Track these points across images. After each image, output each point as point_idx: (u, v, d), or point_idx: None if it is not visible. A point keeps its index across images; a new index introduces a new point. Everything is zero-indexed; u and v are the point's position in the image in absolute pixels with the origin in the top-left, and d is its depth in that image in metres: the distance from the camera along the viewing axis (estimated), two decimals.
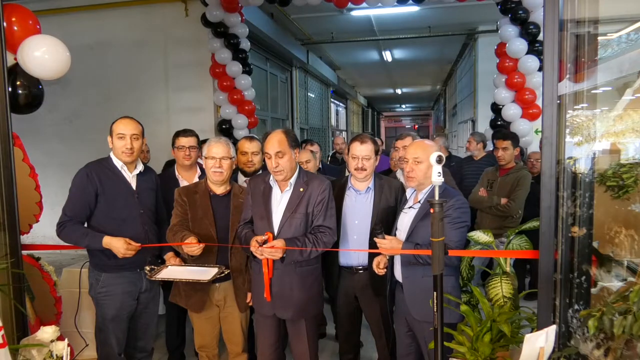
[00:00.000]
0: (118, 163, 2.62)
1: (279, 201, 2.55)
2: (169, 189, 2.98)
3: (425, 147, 2.45)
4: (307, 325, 2.59)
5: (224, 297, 2.69)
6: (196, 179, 3.26)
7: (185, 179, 3.27)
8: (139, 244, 2.55)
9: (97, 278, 2.60)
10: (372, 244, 2.74)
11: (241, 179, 3.33)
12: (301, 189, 2.51)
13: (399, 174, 3.39)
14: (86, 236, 2.54)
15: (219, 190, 2.70)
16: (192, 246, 2.46)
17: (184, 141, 3.23)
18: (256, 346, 2.82)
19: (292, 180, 2.52)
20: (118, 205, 2.60)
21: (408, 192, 2.61)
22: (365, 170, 2.73)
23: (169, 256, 2.75)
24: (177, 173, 3.31)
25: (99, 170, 2.59)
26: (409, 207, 2.51)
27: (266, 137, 2.52)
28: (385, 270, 2.60)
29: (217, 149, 2.61)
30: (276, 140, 2.44)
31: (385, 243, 2.40)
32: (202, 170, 3.37)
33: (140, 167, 2.71)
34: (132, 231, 2.59)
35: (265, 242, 2.40)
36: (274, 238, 2.46)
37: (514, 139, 4.26)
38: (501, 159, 4.20)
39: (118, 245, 2.50)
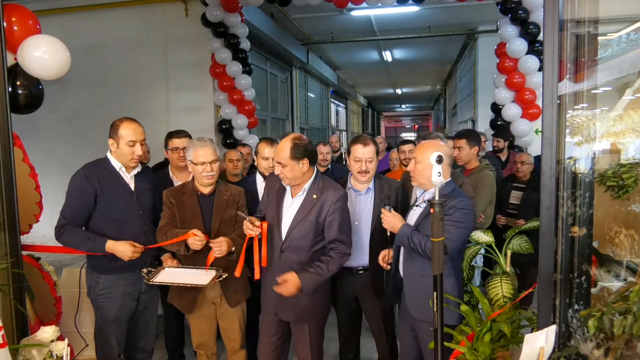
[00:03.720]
0: (117, 164, 2.59)
1: (290, 205, 2.51)
2: (164, 189, 2.96)
3: (423, 148, 2.45)
4: (310, 329, 2.57)
5: (220, 293, 2.69)
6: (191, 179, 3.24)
7: (180, 179, 3.24)
8: (143, 247, 2.54)
9: (96, 280, 2.58)
10: (373, 245, 2.74)
11: (259, 179, 3.25)
12: (314, 196, 2.44)
13: None
14: (88, 240, 2.50)
15: (207, 190, 2.69)
16: (196, 240, 2.46)
17: (178, 142, 3.20)
18: (258, 346, 2.83)
19: (306, 185, 2.47)
20: (118, 207, 2.57)
21: (418, 192, 2.61)
22: (369, 172, 2.71)
23: (165, 257, 2.74)
24: (171, 174, 3.28)
25: (98, 171, 2.55)
26: (417, 206, 2.52)
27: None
28: (389, 266, 2.59)
29: (206, 154, 2.58)
30: (279, 150, 2.41)
31: (389, 216, 2.42)
32: None
33: (137, 168, 2.69)
34: (132, 233, 2.58)
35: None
36: (285, 241, 2.47)
37: (470, 137, 3.98)
38: (457, 158, 4.01)
39: (124, 249, 2.48)
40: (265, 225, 2.45)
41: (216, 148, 2.67)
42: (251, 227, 2.41)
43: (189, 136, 3.29)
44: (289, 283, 2.34)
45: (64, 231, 2.51)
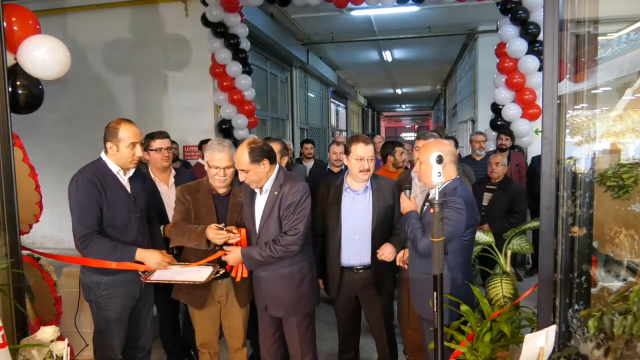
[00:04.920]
0: (114, 167, 2.54)
1: (259, 205, 2.60)
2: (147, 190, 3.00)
3: (427, 148, 2.47)
4: (298, 323, 2.63)
5: (227, 292, 2.72)
6: (172, 180, 3.26)
7: (162, 180, 3.25)
8: (171, 256, 2.57)
9: (97, 282, 2.54)
10: (374, 243, 2.75)
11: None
12: (275, 193, 2.53)
13: (413, 175, 3.27)
14: (117, 251, 2.46)
15: (222, 190, 2.71)
16: (219, 234, 2.49)
17: (161, 143, 3.17)
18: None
19: (267, 185, 2.55)
20: (120, 212, 2.53)
21: (432, 191, 2.62)
22: (369, 171, 2.74)
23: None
24: (152, 175, 3.24)
25: (99, 175, 2.50)
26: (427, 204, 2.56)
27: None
28: (407, 265, 2.63)
29: (221, 159, 2.60)
30: (239, 158, 2.47)
31: (405, 199, 2.53)
32: (177, 170, 3.38)
33: (132, 169, 2.65)
34: (132, 237, 2.57)
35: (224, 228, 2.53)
36: (258, 238, 2.56)
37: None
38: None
39: (154, 257, 2.50)
40: (243, 231, 2.55)
41: (233, 153, 2.67)
42: (232, 236, 2.52)
43: (168, 136, 3.28)
44: (232, 254, 2.51)
45: (91, 241, 2.43)
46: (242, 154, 2.45)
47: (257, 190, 2.60)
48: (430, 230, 2.28)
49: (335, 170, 4.62)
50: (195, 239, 2.55)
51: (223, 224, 2.55)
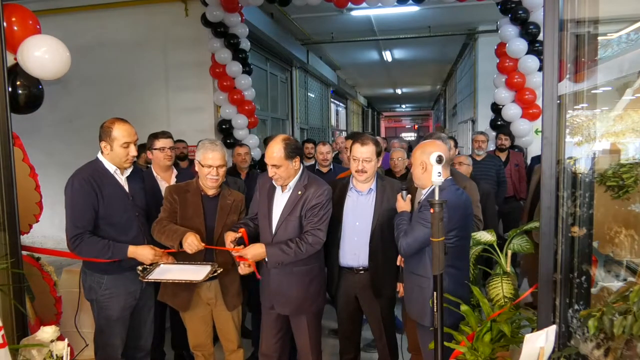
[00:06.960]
0: (111, 167, 2.54)
1: (279, 202, 2.60)
2: (148, 188, 3.06)
3: (416, 149, 2.50)
4: (307, 321, 2.65)
5: (215, 295, 2.71)
6: (173, 179, 3.30)
7: (164, 179, 3.29)
8: (162, 250, 2.58)
9: (98, 281, 2.55)
10: (372, 246, 2.75)
11: None
12: (299, 192, 2.55)
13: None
14: (108, 249, 2.47)
15: (211, 191, 2.71)
16: (192, 245, 2.47)
17: (165, 142, 3.26)
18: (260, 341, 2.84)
19: (292, 183, 2.57)
20: (117, 211, 2.54)
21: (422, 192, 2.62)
22: (366, 172, 2.71)
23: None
24: (155, 173, 3.30)
25: (95, 175, 2.50)
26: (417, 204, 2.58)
27: (267, 142, 2.56)
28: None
29: (215, 158, 2.60)
30: (273, 153, 2.48)
31: (400, 200, 2.60)
32: (178, 170, 3.43)
33: (130, 168, 2.65)
34: (132, 235, 2.57)
35: (239, 239, 2.51)
36: (274, 236, 2.56)
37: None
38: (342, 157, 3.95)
39: (145, 253, 2.51)
40: (242, 230, 2.55)
41: (225, 153, 2.69)
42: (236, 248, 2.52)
43: (171, 136, 3.36)
44: (252, 249, 2.49)
45: (82, 241, 2.44)
46: (277, 149, 2.47)
47: (278, 188, 2.62)
48: (411, 232, 2.38)
49: (324, 170, 4.61)
50: (172, 239, 2.55)
51: (239, 235, 2.53)
